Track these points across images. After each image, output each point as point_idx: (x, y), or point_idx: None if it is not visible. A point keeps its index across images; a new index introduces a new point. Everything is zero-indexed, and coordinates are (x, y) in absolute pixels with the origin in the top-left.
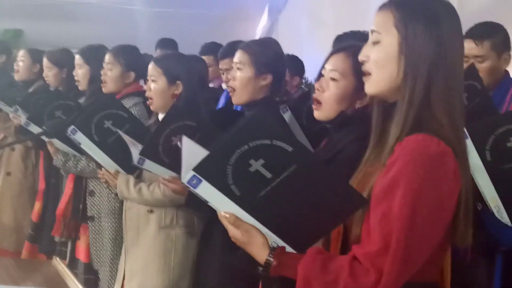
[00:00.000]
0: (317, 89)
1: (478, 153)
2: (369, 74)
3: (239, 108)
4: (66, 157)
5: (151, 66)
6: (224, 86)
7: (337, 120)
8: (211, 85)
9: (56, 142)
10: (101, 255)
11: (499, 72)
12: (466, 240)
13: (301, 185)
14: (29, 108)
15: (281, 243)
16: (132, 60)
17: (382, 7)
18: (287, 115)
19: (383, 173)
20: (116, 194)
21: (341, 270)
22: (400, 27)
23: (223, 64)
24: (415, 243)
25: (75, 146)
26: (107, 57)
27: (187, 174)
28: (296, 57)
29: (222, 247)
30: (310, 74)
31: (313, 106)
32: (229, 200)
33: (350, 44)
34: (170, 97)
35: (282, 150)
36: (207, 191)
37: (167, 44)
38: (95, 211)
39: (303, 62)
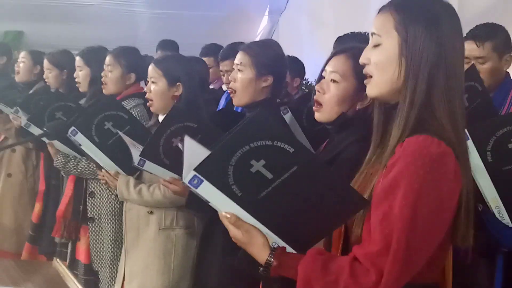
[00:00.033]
0: (318, 91)
1: (479, 154)
2: (371, 76)
3: (239, 110)
4: (66, 159)
5: (151, 68)
6: (224, 87)
7: (338, 122)
8: (211, 86)
9: (57, 143)
10: (101, 256)
11: (500, 74)
12: (467, 240)
13: (302, 186)
14: (29, 109)
15: (282, 243)
16: (133, 61)
17: (382, 9)
18: (287, 116)
19: (384, 174)
20: (116, 196)
21: (341, 271)
22: (400, 29)
23: (223, 66)
24: (416, 243)
25: (76, 148)
26: (108, 58)
27: (188, 174)
28: (297, 58)
29: (222, 248)
30: (310, 75)
31: (314, 108)
32: (230, 200)
33: (350, 46)
34: (170, 99)
35: (283, 151)
36: (208, 191)
37: (168, 45)
38: (96, 212)
39: (304, 63)
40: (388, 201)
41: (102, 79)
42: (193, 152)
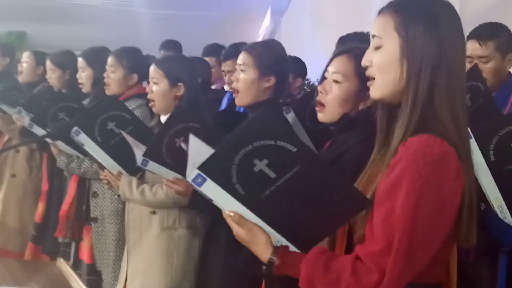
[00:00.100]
0: (321, 92)
1: (482, 153)
2: (373, 78)
3: (241, 110)
4: (69, 159)
5: (152, 69)
6: (226, 87)
7: (341, 122)
8: (213, 86)
9: (60, 143)
10: (104, 256)
11: (502, 73)
12: (470, 240)
13: (305, 186)
14: (32, 110)
15: (285, 242)
16: (135, 62)
17: (382, 11)
18: (290, 116)
19: (387, 173)
20: (119, 196)
21: (343, 270)
22: (400, 30)
23: (225, 66)
24: (418, 242)
25: (79, 148)
26: (110, 59)
27: (192, 172)
28: (298, 58)
29: (226, 248)
30: (312, 75)
31: (317, 109)
32: (233, 199)
33: (352, 46)
34: (172, 99)
35: (286, 151)
36: (211, 190)
37: (170, 45)
38: (98, 213)
39: (306, 63)
40: (390, 200)
41: (104, 80)
42: (198, 151)
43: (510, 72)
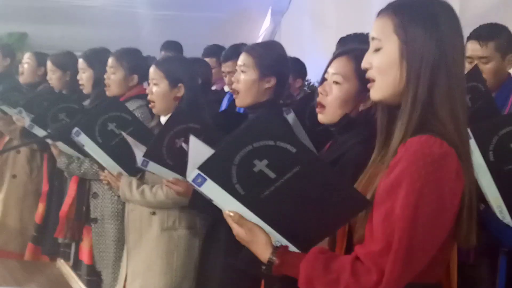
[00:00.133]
0: (321, 93)
1: (481, 153)
2: (373, 80)
3: (241, 111)
4: (69, 159)
5: (152, 70)
6: (226, 88)
7: (341, 123)
8: (213, 87)
9: (60, 144)
10: (104, 257)
11: (502, 74)
12: (470, 240)
13: (305, 186)
14: (32, 110)
15: (285, 242)
16: (135, 63)
17: (380, 13)
18: (290, 117)
19: (387, 173)
20: (119, 196)
21: (343, 270)
22: (399, 32)
23: (225, 67)
24: (417, 243)
25: (79, 149)
26: (110, 60)
27: (192, 172)
28: (298, 59)
29: (226, 249)
30: (313, 76)
31: (317, 110)
32: (233, 199)
33: (352, 47)
34: (172, 100)
35: (286, 151)
36: (211, 190)
37: (171, 46)
38: (98, 213)
39: (306, 64)
40: (390, 201)
41: (105, 81)
42: (198, 151)
43: (509, 73)
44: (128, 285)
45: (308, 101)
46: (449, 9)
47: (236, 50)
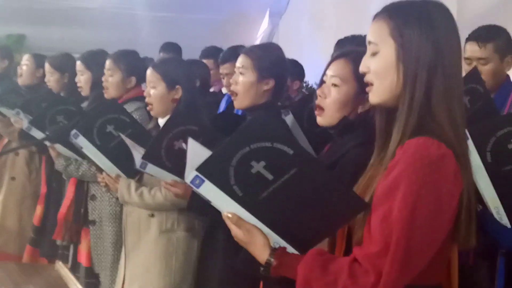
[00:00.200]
0: (319, 95)
1: (479, 154)
2: (372, 84)
3: (239, 113)
4: (67, 161)
5: (149, 72)
6: (224, 90)
7: (340, 126)
8: (211, 89)
9: (59, 146)
10: (102, 259)
11: (501, 75)
12: (469, 242)
13: (302, 188)
14: (31, 112)
15: (283, 243)
16: (133, 65)
17: (376, 17)
18: (289, 118)
19: (384, 175)
20: (117, 199)
21: (340, 271)
22: (395, 35)
23: (223, 69)
24: (415, 244)
25: (77, 151)
26: (107, 63)
27: (190, 174)
28: (296, 61)
29: (224, 251)
30: (311, 78)
31: (316, 112)
32: (232, 200)
33: (350, 49)
34: (170, 102)
35: (283, 153)
36: (209, 191)
37: (170, 48)
38: (97, 215)
39: (304, 66)
40: (388, 203)
41: (103, 84)
42: (196, 153)
43: (507, 74)
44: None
45: (306, 103)
46: (445, 10)
47: (234, 52)
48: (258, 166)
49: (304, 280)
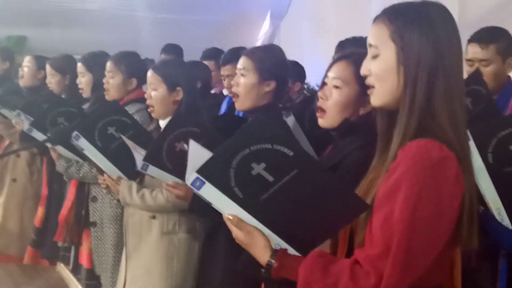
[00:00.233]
0: (321, 97)
1: (480, 155)
2: (373, 87)
3: (241, 114)
4: (68, 163)
5: (150, 74)
6: (225, 91)
7: (342, 128)
8: (212, 90)
9: (60, 148)
10: (103, 261)
11: (503, 77)
12: (471, 244)
13: (303, 189)
14: (31, 113)
15: (284, 245)
16: (133, 66)
17: (376, 19)
18: (290, 120)
19: (386, 177)
20: (118, 200)
21: (341, 273)
22: (396, 38)
23: (224, 70)
24: (416, 246)
25: (78, 152)
26: (108, 65)
27: (191, 176)
28: (297, 63)
29: (225, 252)
30: (312, 79)
31: (317, 114)
32: (232, 202)
33: (352, 51)
34: (171, 104)
35: (283, 155)
36: (210, 193)
37: (172, 49)
38: (98, 217)
39: (305, 68)
40: (389, 204)
41: (104, 86)
42: (197, 155)
43: (509, 76)
44: None
45: (307, 104)
46: (445, 11)
47: (235, 54)
48: (258, 168)
49: (305, 282)
